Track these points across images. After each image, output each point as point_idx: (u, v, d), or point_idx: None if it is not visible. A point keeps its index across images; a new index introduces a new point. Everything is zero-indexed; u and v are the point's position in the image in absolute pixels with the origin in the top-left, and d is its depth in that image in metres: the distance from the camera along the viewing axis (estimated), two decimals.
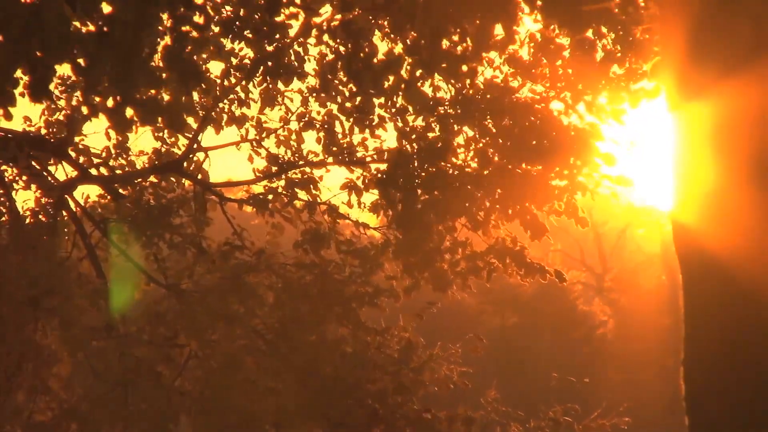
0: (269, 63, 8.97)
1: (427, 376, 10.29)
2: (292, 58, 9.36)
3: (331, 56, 9.24)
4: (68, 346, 9.66)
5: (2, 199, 10.79)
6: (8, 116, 6.55)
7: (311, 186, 11.14)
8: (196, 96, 10.49)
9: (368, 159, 10.71)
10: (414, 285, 10.23)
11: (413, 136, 9.77)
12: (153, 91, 6.21)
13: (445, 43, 8.29)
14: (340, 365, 9.93)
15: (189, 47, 6.84)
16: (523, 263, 10.09)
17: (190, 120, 10.56)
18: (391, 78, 8.79)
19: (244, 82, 10.44)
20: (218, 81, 10.84)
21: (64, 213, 11.10)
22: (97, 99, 6.22)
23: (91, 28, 5.61)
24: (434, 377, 10.33)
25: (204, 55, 8.87)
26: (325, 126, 10.78)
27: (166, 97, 7.26)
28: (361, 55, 8.42)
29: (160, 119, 6.70)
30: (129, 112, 6.24)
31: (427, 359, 10.34)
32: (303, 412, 9.80)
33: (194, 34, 7.00)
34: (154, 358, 9.89)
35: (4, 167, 10.75)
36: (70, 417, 9.71)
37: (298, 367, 9.86)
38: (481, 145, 9.67)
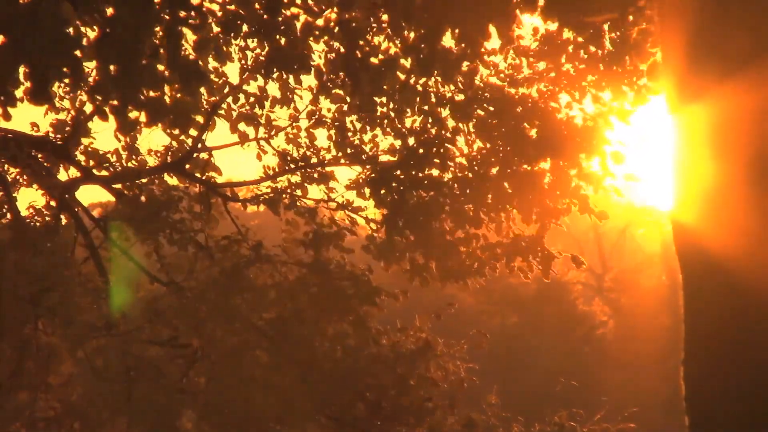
0: (282, 56, 8.97)
1: (438, 376, 10.33)
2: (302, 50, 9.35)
3: (331, 55, 9.24)
4: (69, 343, 9.67)
5: (3, 199, 10.81)
6: (7, 116, 6.55)
7: (328, 181, 11.17)
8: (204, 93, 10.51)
9: (380, 157, 10.73)
10: (422, 281, 10.29)
11: (410, 138, 9.80)
12: (156, 92, 6.22)
13: (443, 44, 8.30)
14: (341, 359, 9.98)
15: (188, 48, 6.84)
16: (540, 251, 10.11)
17: (198, 118, 10.58)
18: (389, 78, 8.80)
19: (261, 81, 10.46)
20: (226, 80, 10.87)
21: (64, 215, 11.13)
22: (99, 100, 6.23)
23: (93, 29, 5.61)
24: (442, 374, 10.38)
25: (209, 57, 8.85)
26: (336, 123, 10.81)
27: (168, 98, 7.26)
28: (359, 55, 8.43)
29: (166, 119, 6.68)
30: (134, 113, 6.25)
31: (433, 357, 10.39)
32: (305, 407, 9.83)
33: (192, 35, 7.00)
34: (156, 356, 9.92)
35: (5, 167, 10.77)
36: (72, 415, 9.73)
37: (299, 361, 9.89)
38: (480, 145, 9.69)
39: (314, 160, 11.28)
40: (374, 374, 10.04)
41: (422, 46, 8.04)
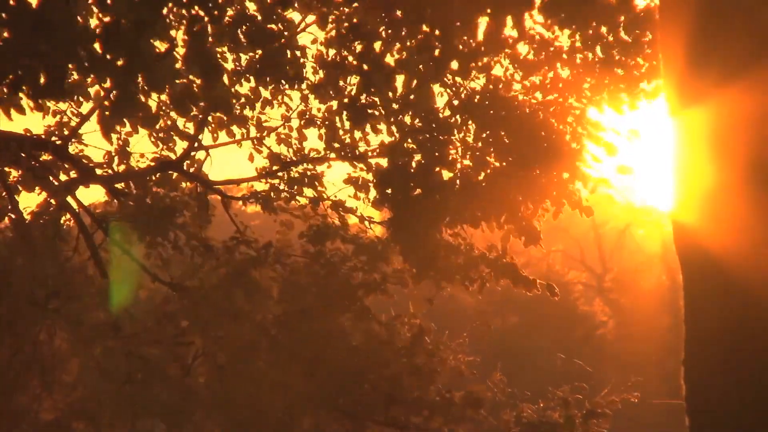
0: (273, 62, 8.96)
1: (438, 363, 10.39)
2: (293, 56, 9.33)
3: (336, 54, 9.22)
4: (76, 344, 9.68)
5: (5, 201, 10.80)
6: (39, 108, 6.49)
7: (315, 183, 11.20)
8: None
9: (369, 154, 10.75)
10: (420, 276, 10.27)
11: (410, 139, 9.78)
12: (184, 82, 6.22)
13: (460, 40, 8.26)
14: (347, 355, 10.02)
15: (209, 42, 6.82)
16: (515, 276, 10.20)
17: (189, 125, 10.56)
18: (403, 78, 8.77)
19: (253, 84, 10.46)
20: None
21: (68, 214, 11.13)
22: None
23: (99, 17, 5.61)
24: (443, 363, 10.44)
25: (224, 48, 8.85)
26: (326, 122, 10.82)
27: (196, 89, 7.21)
28: (371, 56, 8.41)
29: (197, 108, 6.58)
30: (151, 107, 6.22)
31: (435, 347, 10.45)
32: (313, 402, 9.88)
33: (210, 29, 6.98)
34: (162, 356, 9.95)
35: (6, 169, 10.77)
36: (77, 416, 9.74)
37: (305, 358, 9.93)
38: (478, 151, 9.67)
39: (303, 162, 11.32)
40: (385, 363, 10.10)
41: (436, 43, 8.01)
